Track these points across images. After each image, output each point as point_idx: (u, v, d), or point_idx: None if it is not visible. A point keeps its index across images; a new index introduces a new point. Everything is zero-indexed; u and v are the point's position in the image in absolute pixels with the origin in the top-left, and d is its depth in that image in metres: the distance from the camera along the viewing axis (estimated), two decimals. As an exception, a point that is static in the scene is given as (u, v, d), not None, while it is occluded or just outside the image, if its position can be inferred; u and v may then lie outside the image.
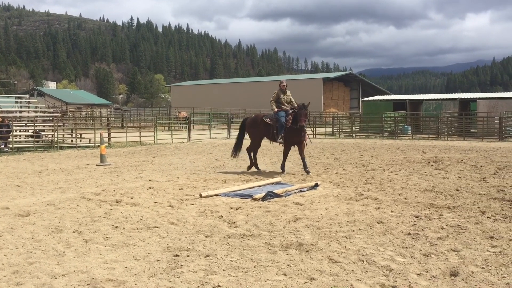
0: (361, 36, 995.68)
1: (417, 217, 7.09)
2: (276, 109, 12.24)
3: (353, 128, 34.11)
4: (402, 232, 6.22)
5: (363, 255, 5.23)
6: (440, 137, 29.39)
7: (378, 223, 6.69)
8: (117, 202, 8.42)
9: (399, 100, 39.42)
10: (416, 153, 18.29)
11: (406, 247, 5.52)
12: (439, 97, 43.62)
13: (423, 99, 41.35)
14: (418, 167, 13.33)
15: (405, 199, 8.50)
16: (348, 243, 5.74)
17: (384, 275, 4.61)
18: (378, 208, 7.75)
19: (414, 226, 6.53)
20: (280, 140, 12.06)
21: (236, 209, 7.80)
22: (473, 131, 30.22)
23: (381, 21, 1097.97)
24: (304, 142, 12.21)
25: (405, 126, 32.71)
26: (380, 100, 40.18)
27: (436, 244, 5.63)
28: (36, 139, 21.47)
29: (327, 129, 33.67)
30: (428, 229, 6.34)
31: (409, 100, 38.21)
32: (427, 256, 5.19)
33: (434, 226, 6.48)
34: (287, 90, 12.60)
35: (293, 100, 12.44)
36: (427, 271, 4.70)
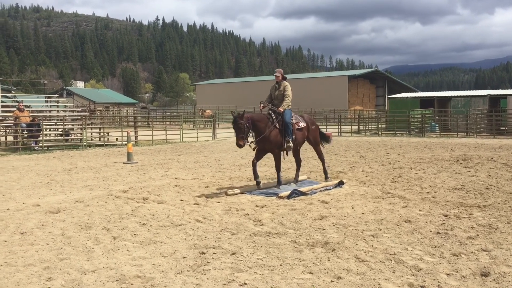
0: (387, 33, 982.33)
1: (446, 216, 6.96)
2: (260, 107, 9.96)
3: (379, 126, 33.69)
4: (431, 231, 6.11)
5: (390, 254, 5.17)
6: (469, 135, 28.76)
7: (406, 222, 6.60)
8: (144, 199, 8.53)
9: (426, 97, 38.76)
10: (444, 151, 17.95)
11: (435, 247, 5.42)
12: (467, 94, 42.70)
13: (451, 96, 40.55)
14: (446, 165, 13.08)
15: (434, 197, 8.36)
16: (375, 242, 5.67)
17: (413, 275, 4.54)
18: (406, 206, 7.64)
19: (443, 225, 6.41)
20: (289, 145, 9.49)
21: (262, 207, 7.80)
22: (503, 128, 29.47)
23: (407, 17, 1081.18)
24: (278, 150, 9.54)
25: (433, 123, 32.14)
26: (407, 97, 39.59)
27: (466, 244, 5.52)
28: (65, 137, 21.92)
29: (353, 127, 33.35)
30: (458, 228, 6.22)
31: (437, 97, 37.53)
32: (457, 256, 5.09)
33: (464, 225, 6.35)
34: (282, 82, 9.90)
35: (288, 94, 9.71)
36: (457, 271, 4.60)
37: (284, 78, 9.95)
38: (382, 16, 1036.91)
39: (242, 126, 8.76)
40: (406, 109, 34.02)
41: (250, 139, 9.22)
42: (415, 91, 61.53)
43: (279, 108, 9.50)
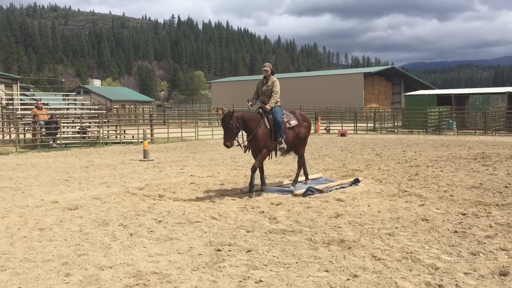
0: (403, 29, 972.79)
1: (464, 214, 6.88)
2: (248, 105, 9.23)
3: (396, 124, 33.42)
4: (448, 230, 6.05)
5: (407, 252, 5.12)
6: (488, 133, 28.37)
7: (423, 221, 6.54)
8: (160, 196, 8.59)
9: (443, 94, 38.29)
10: (462, 149, 17.73)
11: (453, 246, 5.36)
12: (486, 91, 42.08)
13: (469, 93, 39.99)
14: (464, 163, 12.92)
15: (451, 196, 8.26)
16: (392, 240, 5.63)
17: (430, 274, 4.50)
18: (423, 205, 7.57)
19: (460, 224, 6.34)
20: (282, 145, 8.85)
21: (277, 204, 7.80)
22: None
23: (423, 14, 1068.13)
24: (266, 151, 8.80)
25: (450, 121, 31.77)
26: (424, 94, 39.15)
27: (485, 243, 5.45)
28: (82, 135, 22.18)
29: (368, 125, 33.12)
30: (476, 227, 6.14)
31: (454, 94, 37.06)
32: (475, 255, 5.03)
33: (482, 224, 6.27)
34: (270, 77, 9.08)
35: (277, 91, 8.94)
36: (475, 270, 4.55)
37: (273, 73, 9.19)
38: (398, 13, 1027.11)
39: (231, 126, 8.21)
40: (423, 106, 33.69)
41: (240, 140, 8.67)
42: (432, 88, 60.83)
43: (266, 106, 8.78)
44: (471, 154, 15.41)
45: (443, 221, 6.51)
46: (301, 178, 9.81)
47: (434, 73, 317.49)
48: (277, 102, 8.89)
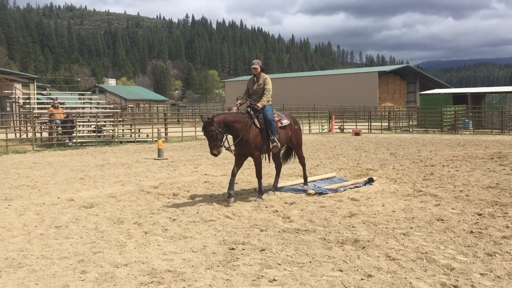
0: (418, 28, 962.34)
1: (480, 215, 6.80)
2: (237, 104, 8.73)
3: (410, 123, 33.14)
4: (464, 230, 5.99)
5: (422, 253, 5.08)
6: (504, 132, 27.99)
7: (438, 221, 6.48)
8: (174, 195, 8.64)
9: (459, 93, 37.88)
10: (478, 148, 17.51)
11: (469, 246, 5.31)
12: (503, 90, 41.41)
13: (486, 92, 39.44)
14: (480, 163, 12.76)
15: (467, 196, 8.18)
16: (406, 240, 5.59)
17: (445, 274, 4.46)
18: (438, 205, 7.50)
19: (476, 224, 6.27)
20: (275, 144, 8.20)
21: (291, 203, 7.80)
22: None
23: (439, 12, 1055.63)
24: (259, 153, 8.25)
25: (466, 120, 31.40)
26: (439, 93, 38.78)
27: (501, 244, 5.38)
28: (97, 134, 22.40)
29: (383, 124, 32.90)
30: (492, 227, 6.07)
31: (471, 93, 36.63)
32: (491, 255, 4.97)
33: (499, 225, 6.19)
34: (261, 75, 8.56)
35: (269, 89, 8.42)
36: (491, 271, 4.50)
37: (263, 70, 8.65)
38: (413, 11, 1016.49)
39: (214, 133, 7.57)
40: (438, 105, 33.35)
41: (227, 144, 8.00)
42: (448, 87, 60.25)
43: (257, 104, 8.19)
44: (488, 153, 15.22)
45: (459, 221, 6.44)
46: (318, 176, 9.76)
47: (450, 72, 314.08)
48: (269, 101, 8.41)
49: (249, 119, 8.08)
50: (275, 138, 8.15)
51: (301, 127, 9.72)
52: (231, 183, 8.01)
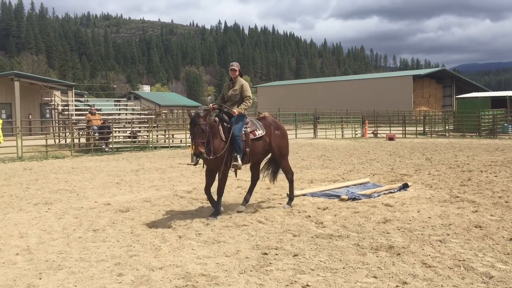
0: (454, 30, 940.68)
1: (520, 222, 6.58)
2: (211, 108, 7.75)
3: (447, 127, 32.38)
4: (503, 237, 5.81)
5: (459, 260, 4.97)
6: (546, 136, 27.02)
7: (476, 227, 6.31)
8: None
9: (498, 96, 36.84)
10: (518, 153, 16.96)
11: (508, 254, 5.15)
12: (544, 93, 40.11)
13: (526, 95, 38.24)
14: (520, 168, 12.36)
15: (506, 202, 7.93)
16: (443, 247, 5.47)
17: (484, 283, 4.34)
18: (476, 211, 7.31)
19: (517, 231, 6.08)
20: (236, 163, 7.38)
21: (324, 209, 7.75)
22: None
23: (476, 14, 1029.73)
24: (225, 167, 7.48)
25: (505, 124, 30.47)
26: (477, 97, 37.81)
27: (543, 252, 5.20)
28: (133, 139, 22.85)
29: (418, 128, 32.28)
30: (534, 235, 5.87)
31: (510, 96, 35.52)
32: (533, 264, 4.81)
33: (541, 232, 5.98)
34: (238, 80, 7.77)
35: (249, 96, 7.69)
36: (533, 281, 4.35)
37: (241, 75, 7.88)
38: (449, 13, 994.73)
39: (204, 127, 6.80)
40: (475, 109, 32.48)
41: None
42: (486, 91, 58.64)
43: (233, 109, 7.42)
44: (528, 158, 14.73)
45: (498, 228, 6.26)
46: (352, 182, 9.64)
47: (488, 75, 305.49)
48: (246, 109, 7.62)
49: (218, 128, 7.25)
50: (238, 157, 7.28)
51: (288, 134, 8.50)
52: (211, 201, 7.46)
